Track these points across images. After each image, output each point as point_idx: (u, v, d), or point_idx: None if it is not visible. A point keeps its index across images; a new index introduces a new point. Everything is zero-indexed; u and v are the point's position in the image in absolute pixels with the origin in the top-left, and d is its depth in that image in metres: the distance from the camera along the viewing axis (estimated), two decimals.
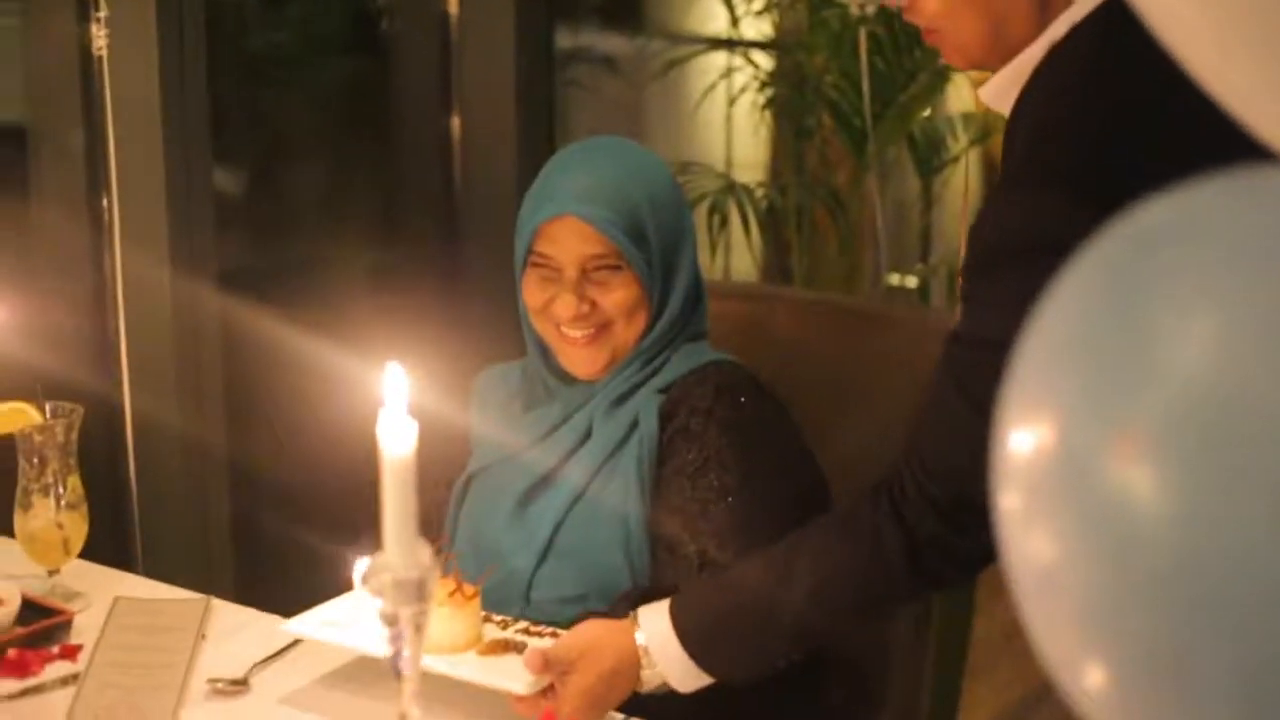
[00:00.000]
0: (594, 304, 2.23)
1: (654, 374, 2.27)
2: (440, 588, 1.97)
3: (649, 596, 2.04)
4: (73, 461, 2.31)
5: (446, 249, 3.96)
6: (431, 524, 2.38)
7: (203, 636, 2.17)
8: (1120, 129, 1.66)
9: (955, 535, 1.80)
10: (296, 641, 2.15)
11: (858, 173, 4.80)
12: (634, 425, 2.24)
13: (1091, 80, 1.69)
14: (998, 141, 2.01)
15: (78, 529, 2.32)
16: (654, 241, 2.23)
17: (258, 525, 3.41)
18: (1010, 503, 0.86)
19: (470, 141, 3.92)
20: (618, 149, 2.32)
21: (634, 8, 5.49)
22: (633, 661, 1.95)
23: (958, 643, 2.45)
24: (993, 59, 1.81)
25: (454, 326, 3.72)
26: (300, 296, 3.75)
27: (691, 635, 1.94)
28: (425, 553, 1.34)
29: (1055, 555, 0.83)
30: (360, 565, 2.03)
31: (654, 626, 1.95)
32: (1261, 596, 0.76)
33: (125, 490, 2.83)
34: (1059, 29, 1.74)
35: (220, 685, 2.04)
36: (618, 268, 2.22)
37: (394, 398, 1.30)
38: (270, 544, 3.42)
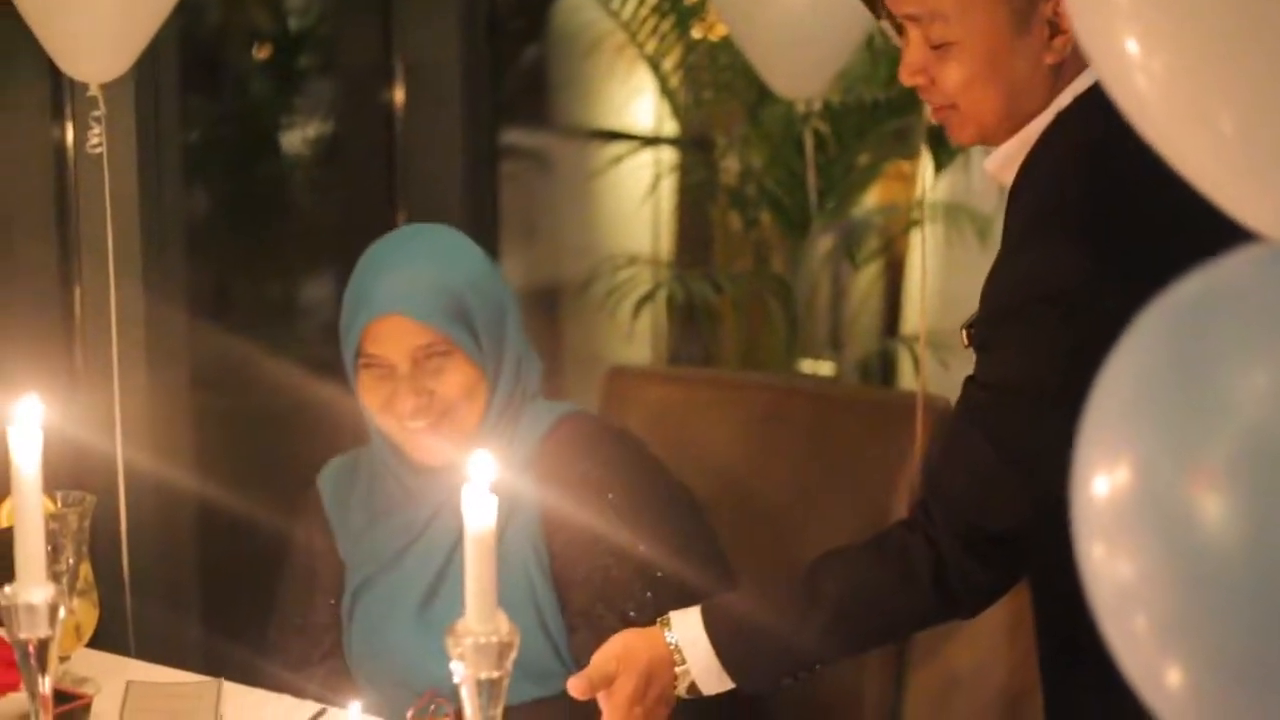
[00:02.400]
0: (432, 393, 2.25)
1: (508, 447, 2.28)
2: None
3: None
4: (84, 549, 2.35)
5: None
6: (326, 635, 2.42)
7: (220, 717, 2.25)
8: (1123, 194, 1.75)
9: (978, 565, 1.85)
10: (320, 713, 2.24)
11: (791, 259, 4.94)
12: (513, 510, 2.25)
13: (1097, 148, 1.77)
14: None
15: (89, 615, 2.37)
16: (479, 320, 2.25)
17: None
18: (1093, 531, 0.99)
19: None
20: (428, 236, 2.36)
21: (554, 107, 5.62)
22: (667, 658, 1.94)
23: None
24: (1004, 132, 1.90)
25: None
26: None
27: (722, 636, 1.94)
28: (504, 621, 1.46)
29: (1136, 576, 0.96)
30: (355, 708, 2.12)
31: (685, 626, 1.95)
32: None
33: (118, 576, 2.88)
34: (1065, 99, 1.85)
35: None
36: (448, 353, 2.24)
37: (479, 476, 1.41)
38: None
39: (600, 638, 2.13)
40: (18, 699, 2.11)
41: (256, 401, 3.97)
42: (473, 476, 1.41)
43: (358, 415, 2.37)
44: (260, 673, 2.49)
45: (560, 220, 5.46)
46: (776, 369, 4.98)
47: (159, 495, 3.36)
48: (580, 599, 2.22)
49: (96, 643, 2.41)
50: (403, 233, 2.39)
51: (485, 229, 4.33)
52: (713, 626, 1.94)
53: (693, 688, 1.95)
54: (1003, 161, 1.91)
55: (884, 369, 5.48)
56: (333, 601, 2.42)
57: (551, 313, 5.36)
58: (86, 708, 2.26)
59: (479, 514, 1.41)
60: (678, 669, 1.94)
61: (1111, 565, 0.98)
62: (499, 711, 1.48)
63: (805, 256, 5.04)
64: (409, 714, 2.05)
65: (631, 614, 2.18)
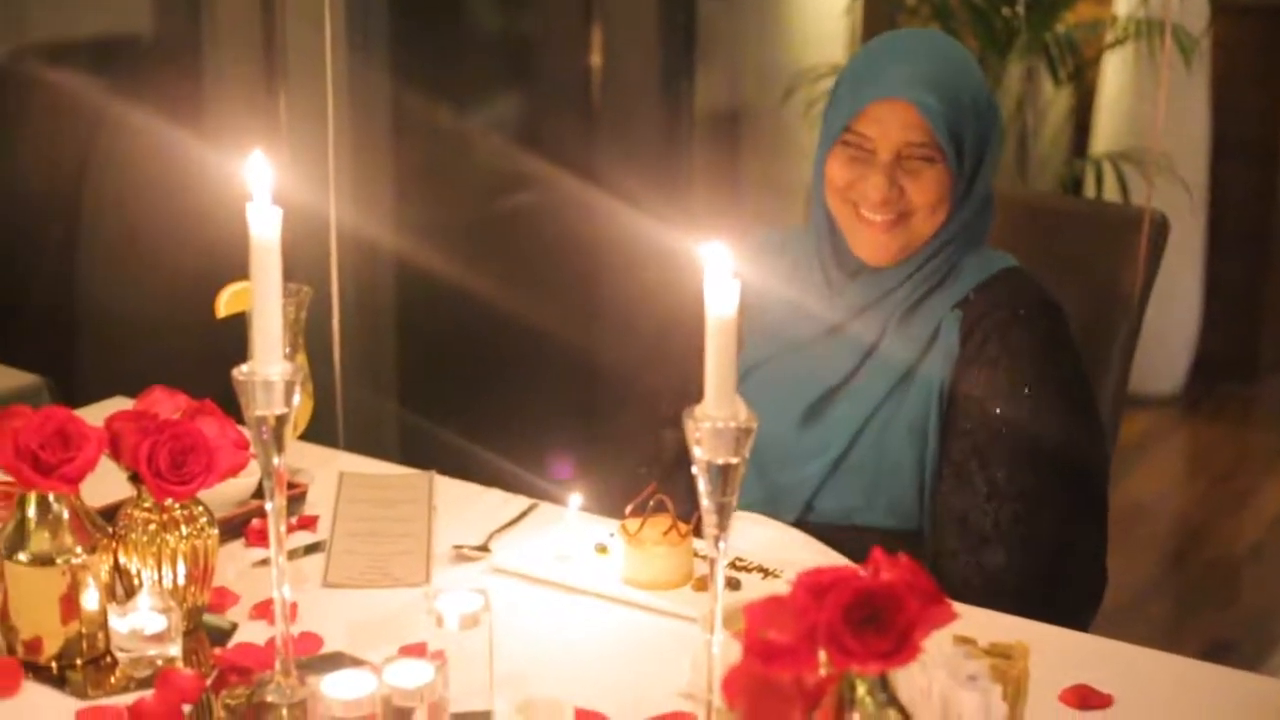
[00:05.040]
0: (902, 191, 2.22)
1: (944, 279, 2.28)
2: (654, 526, 2.03)
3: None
4: (301, 340, 2.37)
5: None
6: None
7: (434, 507, 2.28)
8: None
9: None
10: (531, 508, 2.27)
11: (992, 76, 4.84)
12: (932, 339, 2.25)
13: None
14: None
15: (304, 407, 2.41)
16: (969, 141, 2.22)
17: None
18: None
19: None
20: (947, 45, 2.31)
21: None
22: None
23: None
24: None
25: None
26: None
27: None
28: (742, 409, 1.45)
29: None
30: (574, 501, 2.14)
31: None
32: None
33: (329, 369, 2.91)
34: None
35: (465, 550, 2.15)
36: (931, 159, 2.21)
37: (715, 264, 1.40)
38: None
39: (961, 496, 2.18)
40: (235, 484, 2.15)
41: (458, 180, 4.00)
42: (714, 262, 1.39)
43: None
44: (467, 465, 2.53)
45: (752, 38, 5.38)
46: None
47: (362, 286, 3.39)
48: (957, 449, 2.21)
49: (306, 435, 2.46)
50: (927, 32, 2.38)
51: (681, 44, 4.29)
52: None
53: None
54: None
55: (1074, 190, 5.38)
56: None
57: (734, 136, 5.31)
58: (301, 497, 2.31)
59: (721, 299, 1.40)
60: None
61: None
62: (732, 500, 1.47)
63: (1005, 74, 4.95)
64: (628, 509, 2.05)
65: (1000, 480, 2.17)
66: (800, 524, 2.25)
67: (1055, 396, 2.22)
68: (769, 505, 2.27)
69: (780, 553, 2.13)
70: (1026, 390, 2.19)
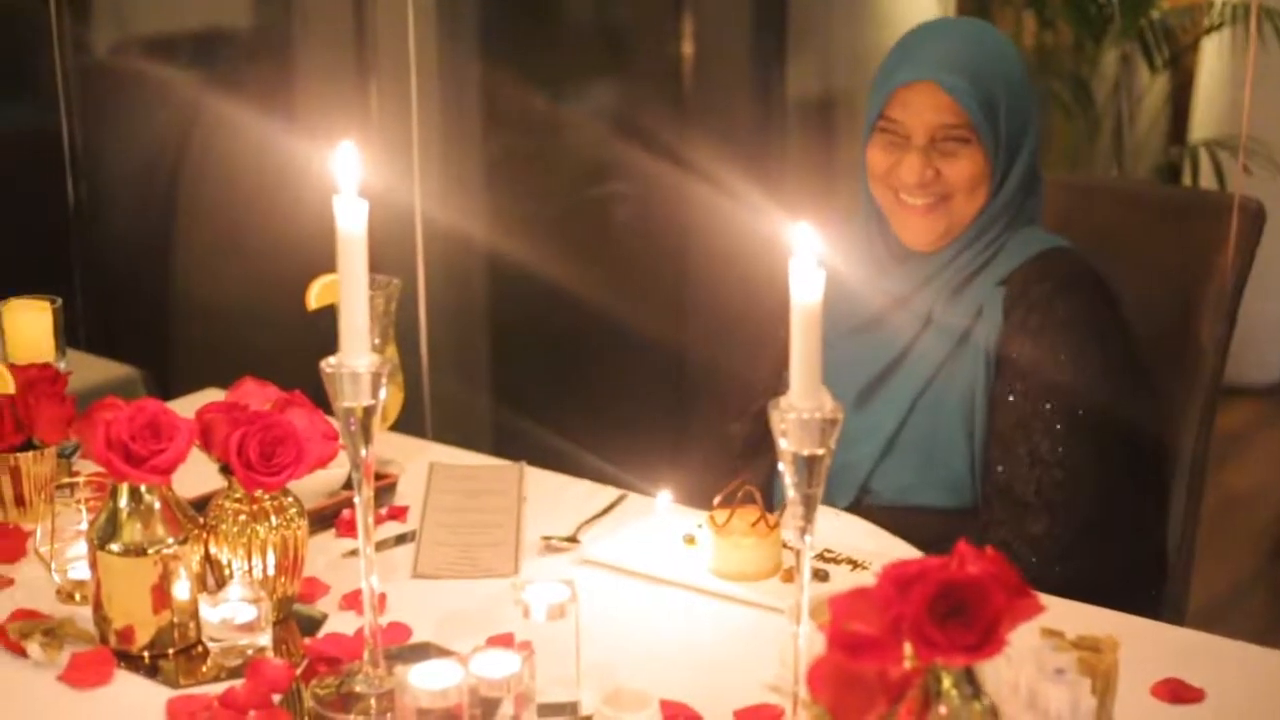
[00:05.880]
0: (938, 173, 2.25)
1: (991, 259, 2.29)
2: (742, 517, 2.03)
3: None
4: (391, 332, 2.39)
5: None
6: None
7: (523, 498, 2.29)
8: None
9: None
10: (620, 499, 2.27)
11: (1089, 63, 4.80)
12: (978, 316, 2.27)
13: None
14: None
15: (394, 399, 2.43)
16: (1004, 120, 2.24)
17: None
18: None
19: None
20: (978, 28, 2.35)
21: None
22: None
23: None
24: None
25: None
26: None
27: None
28: (828, 399, 1.44)
29: None
30: (663, 495, 2.14)
31: None
32: None
33: (417, 361, 2.93)
34: None
35: (554, 541, 2.15)
36: (966, 140, 2.24)
37: (802, 252, 1.39)
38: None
39: (1006, 465, 2.20)
40: (325, 475, 2.16)
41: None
42: (800, 247, 1.39)
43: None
44: (556, 457, 2.53)
45: (844, 23, 5.36)
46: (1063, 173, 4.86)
47: (453, 278, 3.40)
48: (1002, 420, 2.22)
49: (395, 427, 2.47)
50: (960, 19, 2.42)
51: (773, 30, 4.27)
52: None
53: None
54: None
55: (1172, 178, 5.32)
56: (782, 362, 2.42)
57: (827, 123, 5.28)
58: (392, 487, 2.32)
59: (806, 286, 1.39)
60: None
61: None
62: (818, 491, 1.47)
63: (1100, 61, 4.89)
64: (716, 500, 2.05)
65: (1043, 452, 2.18)
66: (856, 507, 2.26)
67: (1098, 368, 2.22)
68: (824, 490, 2.26)
69: (837, 540, 2.12)
70: (1067, 360, 2.20)
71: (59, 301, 2.37)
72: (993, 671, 1.34)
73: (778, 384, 2.35)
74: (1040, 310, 2.23)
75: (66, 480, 2.07)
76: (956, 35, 2.31)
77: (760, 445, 2.41)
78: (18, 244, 3.64)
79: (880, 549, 2.09)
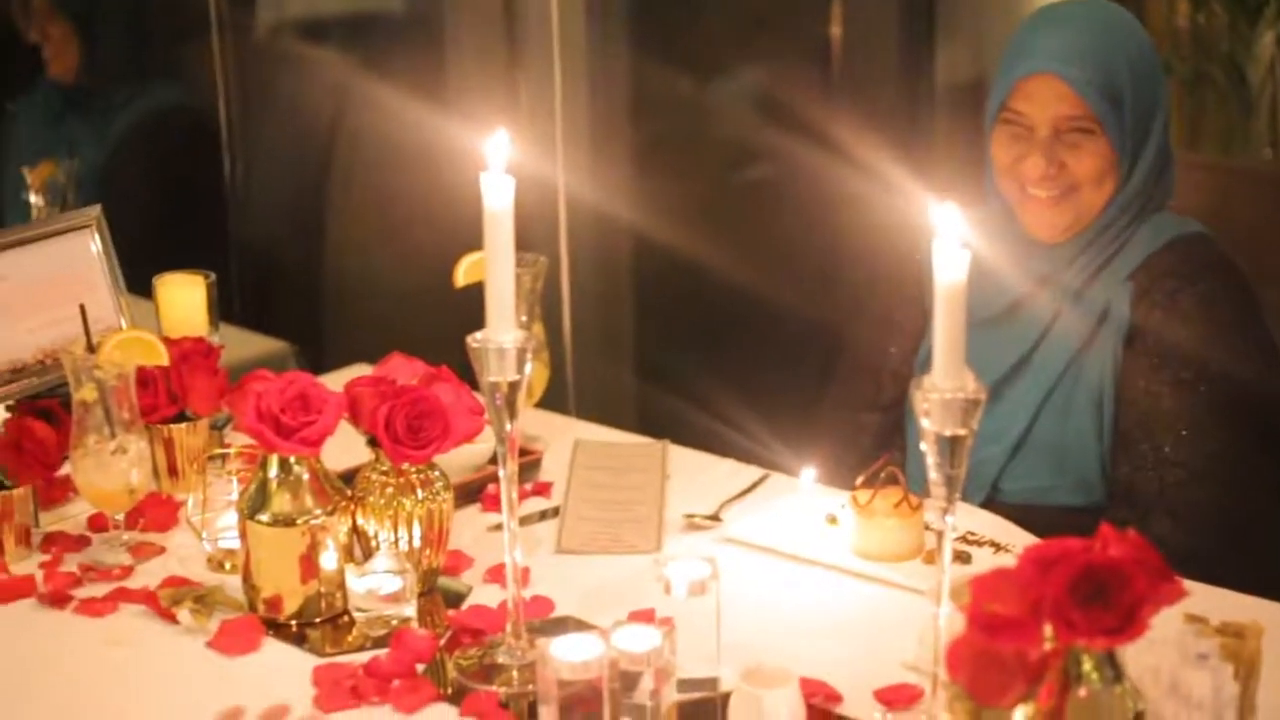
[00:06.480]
0: (1063, 165, 2.21)
1: (1118, 251, 2.25)
2: (885, 498, 2.02)
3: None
4: (537, 309, 2.41)
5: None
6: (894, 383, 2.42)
7: (666, 476, 2.30)
8: None
9: None
10: (763, 478, 2.27)
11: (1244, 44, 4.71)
12: (1105, 312, 2.23)
13: None
14: None
15: (539, 375, 2.45)
16: (1129, 107, 2.20)
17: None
18: None
19: None
20: (1103, 10, 2.28)
21: None
22: None
23: None
24: None
25: None
26: None
27: None
28: (970, 379, 1.44)
29: None
30: (806, 475, 2.14)
31: None
32: None
33: (560, 339, 2.95)
34: None
35: (696, 519, 2.16)
36: (1090, 131, 2.19)
37: (945, 230, 1.39)
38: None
39: (1130, 462, 2.17)
40: (471, 450, 2.19)
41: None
42: (944, 228, 1.38)
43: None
44: (700, 435, 2.54)
45: (995, 6, 5.29)
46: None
47: (599, 258, 3.42)
48: (1127, 417, 2.20)
49: (541, 404, 2.49)
50: (1077, 2, 2.31)
51: (922, 14, 4.24)
52: None
53: None
54: None
55: None
56: (908, 349, 2.41)
57: (977, 108, 5.22)
58: (536, 463, 2.34)
59: (950, 267, 1.39)
60: None
61: None
62: (961, 472, 1.46)
63: (1255, 42, 4.80)
64: (859, 480, 2.05)
65: (1166, 450, 2.16)
66: (988, 505, 2.22)
67: (1224, 365, 2.17)
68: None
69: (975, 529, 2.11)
70: (1190, 358, 2.16)
71: (213, 276, 2.41)
72: (1134, 656, 1.33)
73: (908, 372, 2.35)
74: (1165, 307, 2.19)
75: (218, 451, 2.12)
76: (1077, 21, 2.24)
77: (892, 435, 2.40)
78: (175, 220, 3.71)
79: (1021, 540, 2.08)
